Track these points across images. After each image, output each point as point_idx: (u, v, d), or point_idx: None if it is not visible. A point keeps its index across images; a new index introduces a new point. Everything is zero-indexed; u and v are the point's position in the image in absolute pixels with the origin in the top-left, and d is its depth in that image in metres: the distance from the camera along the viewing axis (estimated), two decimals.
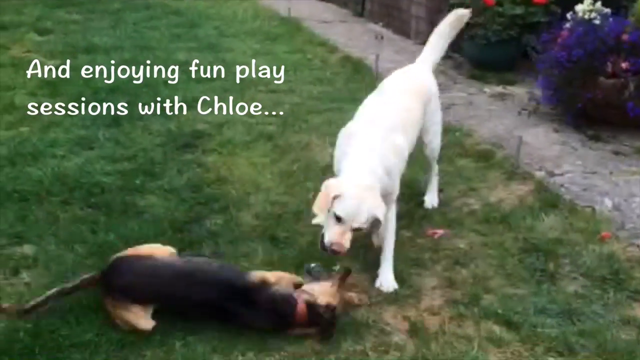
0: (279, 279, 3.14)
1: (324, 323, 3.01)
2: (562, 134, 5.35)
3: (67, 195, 4.19)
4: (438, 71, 6.78)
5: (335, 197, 3.18)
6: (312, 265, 3.28)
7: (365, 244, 3.57)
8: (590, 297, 3.36)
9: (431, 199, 4.23)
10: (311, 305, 3.01)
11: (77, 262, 3.51)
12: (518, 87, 6.42)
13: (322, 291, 3.08)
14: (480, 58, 6.92)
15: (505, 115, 5.78)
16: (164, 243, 3.62)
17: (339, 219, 3.16)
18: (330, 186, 3.26)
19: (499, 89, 6.46)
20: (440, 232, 3.89)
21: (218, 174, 4.54)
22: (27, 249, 3.66)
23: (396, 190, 3.55)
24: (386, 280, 3.45)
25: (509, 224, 3.98)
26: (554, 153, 5.02)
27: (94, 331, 2.99)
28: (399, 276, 3.48)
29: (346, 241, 3.16)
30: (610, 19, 5.39)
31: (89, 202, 4.12)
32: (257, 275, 3.12)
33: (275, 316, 3.03)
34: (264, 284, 3.06)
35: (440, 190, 4.39)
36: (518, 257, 3.67)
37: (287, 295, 3.06)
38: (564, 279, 3.51)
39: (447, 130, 5.29)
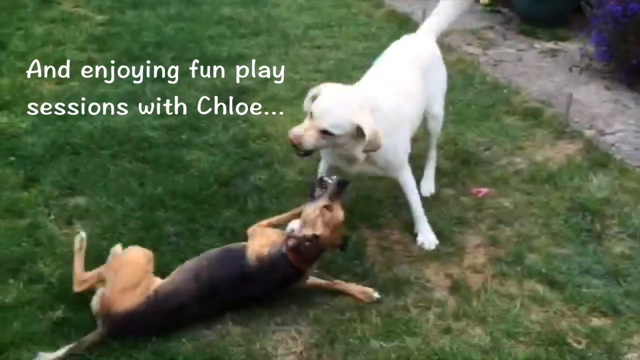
0: (269, 242, 2.99)
1: (311, 252, 2.92)
2: (614, 92, 5.20)
3: (117, 148, 4.28)
4: (486, 27, 6.71)
5: (314, 97, 3.14)
6: (325, 177, 3.12)
7: (405, 203, 3.55)
8: (638, 258, 3.32)
9: (428, 187, 3.89)
10: (295, 248, 2.89)
11: (126, 214, 3.61)
12: (570, 43, 6.22)
13: (306, 220, 2.95)
14: (531, 13, 6.69)
15: (555, 72, 5.62)
16: (209, 197, 3.70)
17: (312, 115, 3.09)
18: (316, 88, 3.20)
19: (550, 45, 6.27)
20: (484, 190, 3.85)
21: (263, 129, 4.57)
22: (80, 200, 3.78)
23: (401, 160, 3.42)
24: (427, 238, 3.45)
25: (556, 184, 3.92)
26: (605, 111, 4.88)
27: None
28: (441, 234, 3.49)
29: (308, 137, 3.04)
30: None
31: (137, 156, 4.20)
32: (252, 256, 2.94)
33: (280, 280, 2.96)
34: (260, 260, 2.93)
35: (486, 149, 4.34)
36: (564, 217, 3.62)
37: (277, 255, 2.92)
38: (611, 240, 3.46)
39: (494, 87, 5.23)
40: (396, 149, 3.34)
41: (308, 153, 3.20)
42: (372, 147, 3.08)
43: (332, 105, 3.06)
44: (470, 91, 5.16)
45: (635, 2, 4.96)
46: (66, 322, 2.88)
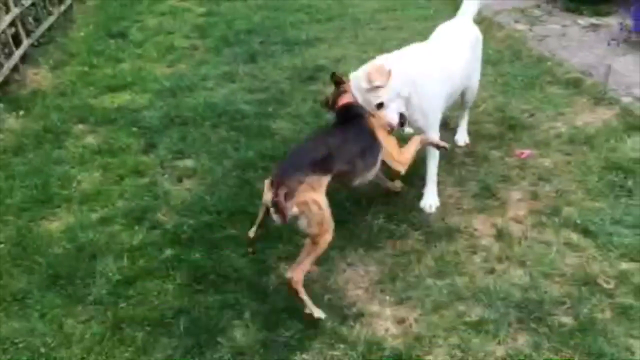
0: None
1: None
2: None
3: (216, 120, 4.41)
4: (534, 6, 6.41)
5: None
6: None
7: (457, 163, 3.51)
8: None
9: (463, 137, 3.92)
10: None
11: (224, 174, 3.74)
12: (611, 19, 5.87)
13: None
14: None
15: (596, 45, 5.34)
16: None
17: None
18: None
19: (593, 20, 5.94)
20: (527, 152, 3.77)
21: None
22: (188, 162, 3.94)
23: (433, 118, 3.31)
24: (428, 202, 3.35)
25: (593, 145, 3.78)
26: None
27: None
28: (488, 189, 3.44)
29: (388, 115, 3.02)
30: None
31: (232, 126, 4.32)
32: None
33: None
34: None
35: (530, 115, 4.22)
36: (599, 175, 3.51)
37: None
38: None
39: (539, 60, 5.04)
40: (425, 110, 3.23)
41: (403, 122, 3.15)
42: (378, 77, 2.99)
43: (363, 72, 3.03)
44: (517, 64, 4.98)
45: None
46: (175, 258, 3.05)
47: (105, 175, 3.80)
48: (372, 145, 2.97)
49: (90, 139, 4.26)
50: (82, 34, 6.36)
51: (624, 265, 2.87)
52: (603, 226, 3.10)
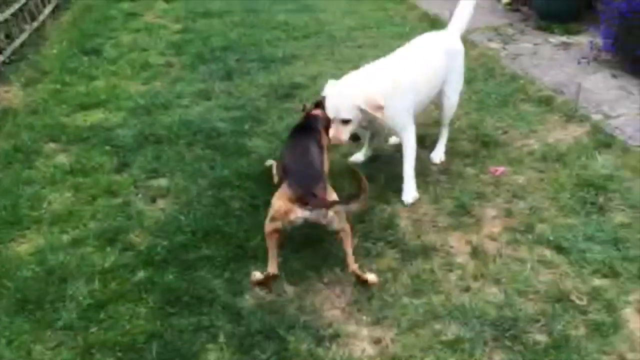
0: None
1: None
2: (620, 80, 5.01)
3: (191, 138, 4.36)
4: (507, 24, 6.52)
5: (320, 102, 3.47)
6: None
7: (432, 180, 3.53)
8: (636, 226, 3.24)
9: (439, 155, 3.96)
10: None
11: (199, 193, 3.70)
12: (582, 37, 6.00)
13: None
14: (547, 10, 6.47)
15: (567, 63, 5.44)
16: (268, 178, 3.75)
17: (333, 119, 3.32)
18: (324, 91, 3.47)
19: (563, 39, 6.07)
20: (501, 169, 3.81)
21: None
22: (162, 181, 3.88)
23: (403, 122, 3.55)
24: (407, 195, 3.52)
25: (565, 162, 3.84)
26: (610, 97, 4.72)
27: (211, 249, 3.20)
28: (463, 207, 3.46)
29: (340, 133, 3.29)
30: None
31: (208, 144, 4.28)
32: None
33: None
34: None
35: (504, 132, 4.27)
36: (571, 192, 3.55)
37: None
38: (613, 211, 3.38)
39: (512, 78, 5.11)
40: (398, 110, 3.48)
41: (356, 138, 3.48)
42: (374, 110, 3.28)
43: (337, 100, 3.29)
44: (490, 82, 5.05)
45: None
46: (148, 280, 2.99)
47: (77, 196, 3.73)
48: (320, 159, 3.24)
49: (61, 158, 4.19)
50: (54, 51, 6.27)
51: (597, 282, 2.90)
52: (576, 243, 3.13)
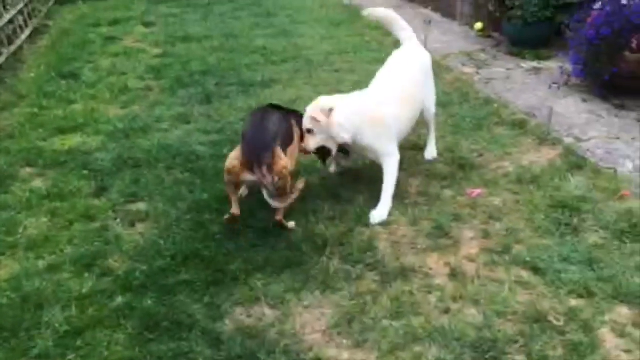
0: None
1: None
2: (590, 104, 5.14)
3: (171, 161, 4.35)
4: (479, 50, 6.67)
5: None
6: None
7: (411, 202, 3.56)
8: (609, 247, 3.29)
9: (432, 152, 4.30)
10: None
11: (179, 217, 3.68)
12: (552, 62, 6.16)
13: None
14: (518, 37, 6.64)
15: (539, 87, 5.57)
16: (247, 202, 3.74)
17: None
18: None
19: (534, 64, 6.22)
20: (477, 191, 3.86)
21: None
22: (141, 205, 3.86)
23: (382, 148, 3.69)
24: (378, 214, 3.60)
25: (539, 184, 3.90)
26: (581, 121, 4.83)
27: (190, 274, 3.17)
28: (441, 229, 3.49)
29: (306, 142, 3.61)
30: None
31: (187, 168, 4.27)
32: None
33: None
34: None
35: (479, 155, 4.34)
36: (546, 213, 3.61)
37: None
38: (587, 232, 3.43)
39: (486, 102, 5.21)
40: (379, 140, 3.67)
41: (345, 152, 3.86)
42: (318, 115, 3.54)
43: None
44: (465, 106, 5.15)
45: (605, 27, 4.91)
46: (127, 306, 2.95)
47: (54, 221, 3.68)
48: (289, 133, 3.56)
49: (38, 183, 4.13)
50: (32, 74, 6.23)
51: (573, 302, 2.93)
52: (551, 263, 3.17)
